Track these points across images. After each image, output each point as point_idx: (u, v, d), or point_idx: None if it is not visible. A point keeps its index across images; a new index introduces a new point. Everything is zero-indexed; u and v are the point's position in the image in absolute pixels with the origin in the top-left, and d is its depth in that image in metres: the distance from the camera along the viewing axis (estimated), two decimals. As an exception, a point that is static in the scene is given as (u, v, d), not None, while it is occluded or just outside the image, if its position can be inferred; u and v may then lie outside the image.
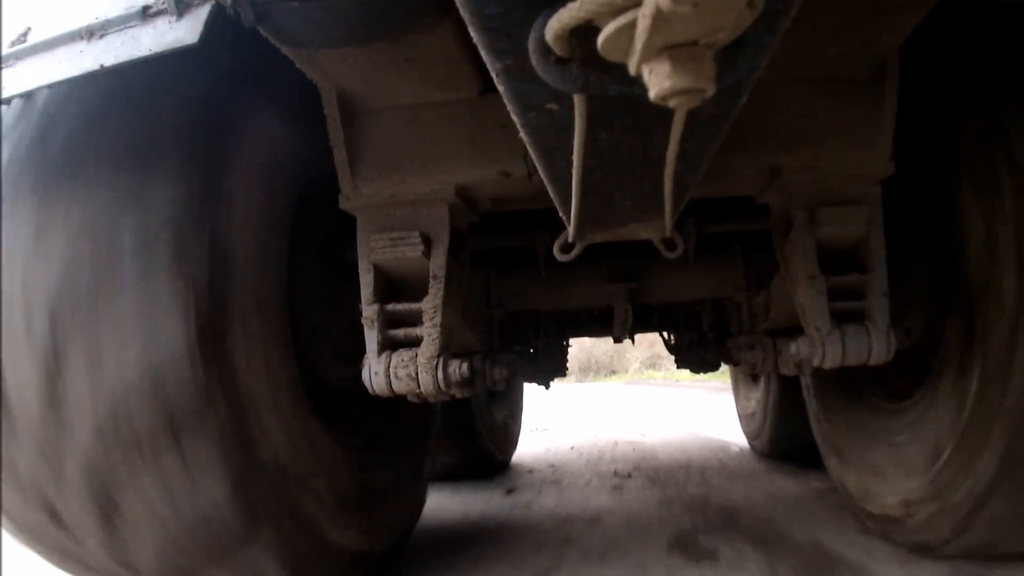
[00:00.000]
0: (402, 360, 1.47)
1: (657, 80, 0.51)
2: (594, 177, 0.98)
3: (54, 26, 1.09)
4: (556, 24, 0.54)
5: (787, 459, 3.67)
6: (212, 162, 1.33)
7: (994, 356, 1.45)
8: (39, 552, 1.44)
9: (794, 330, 1.72)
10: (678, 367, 3.69)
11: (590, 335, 3.73)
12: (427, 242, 1.47)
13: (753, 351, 2.17)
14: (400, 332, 1.51)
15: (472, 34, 0.63)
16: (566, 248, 1.48)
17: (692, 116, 0.75)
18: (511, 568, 2.04)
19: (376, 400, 1.54)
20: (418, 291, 1.51)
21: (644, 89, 0.53)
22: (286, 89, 1.46)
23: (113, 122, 1.28)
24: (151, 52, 1.02)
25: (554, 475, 3.81)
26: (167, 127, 1.29)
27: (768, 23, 0.59)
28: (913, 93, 1.51)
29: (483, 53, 0.65)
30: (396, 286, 1.57)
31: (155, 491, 1.27)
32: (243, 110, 1.42)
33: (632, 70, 0.53)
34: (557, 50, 0.58)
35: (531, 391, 4.01)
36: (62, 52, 1.07)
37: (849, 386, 2.19)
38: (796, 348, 1.62)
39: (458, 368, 1.48)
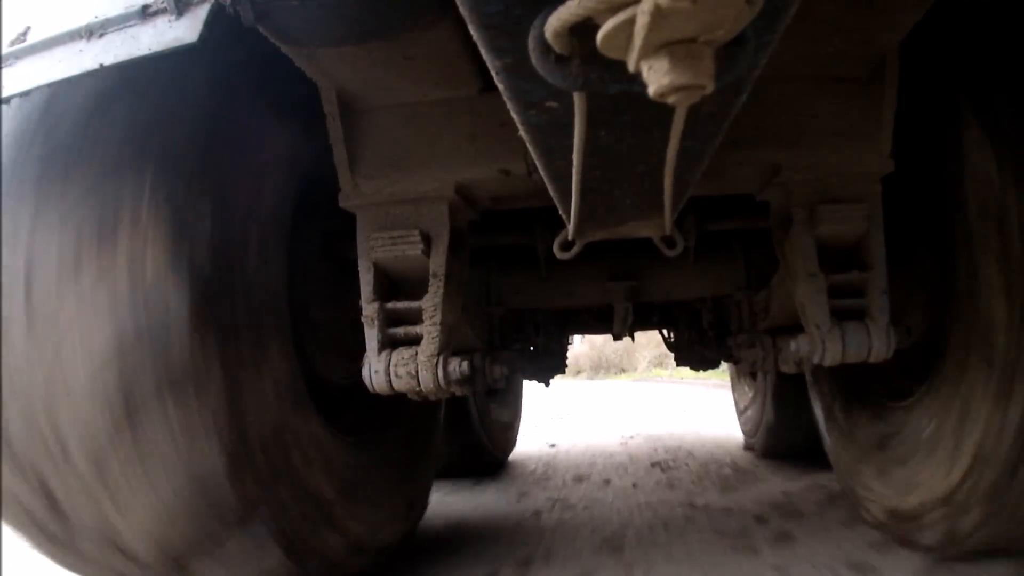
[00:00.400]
0: (402, 358, 1.47)
1: (656, 77, 0.51)
2: (594, 175, 0.98)
3: (53, 25, 1.09)
4: (556, 22, 0.54)
5: (784, 458, 3.68)
6: (212, 159, 1.34)
7: (1001, 354, 1.45)
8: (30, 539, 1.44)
9: (794, 328, 1.72)
10: (678, 365, 3.70)
11: (590, 333, 3.74)
12: (427, 240, 1.47)
13: (753, 349, 2.17)
14: (400, 330, 1.51)
15: (472, 32, 0.63)
16: (566, 246, 1.47)
17: (692, 114, 0.75)
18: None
19: (378, 396, 1.54)
20: (418, 289, 1.51)
21: (644, 86, 0.53)
22: (286, 86, 1.47)
23: (115, 115, 1.29)
24: (151, 51, 1.02)
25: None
26: (167, 124, 1.30)
27: (768, 21, 0.59)
28: (914, 89, 1.51)
29: (483, 51, 0.65)
30: (396, 284, 1.57)
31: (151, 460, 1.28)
32: (243, 107, 1.42)
33: (631, 67, 0.53)
34: (557, 48, 0.58)
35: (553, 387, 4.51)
36: (61, 51, 1.07)
37: (855, 385, 2.19)
38: (796, 346, 1.62)
39: (458, 366, 1.48)
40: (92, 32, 1.06)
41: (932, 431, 1.69)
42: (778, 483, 3.11)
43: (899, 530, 1.90)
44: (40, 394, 1.23)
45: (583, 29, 0.54)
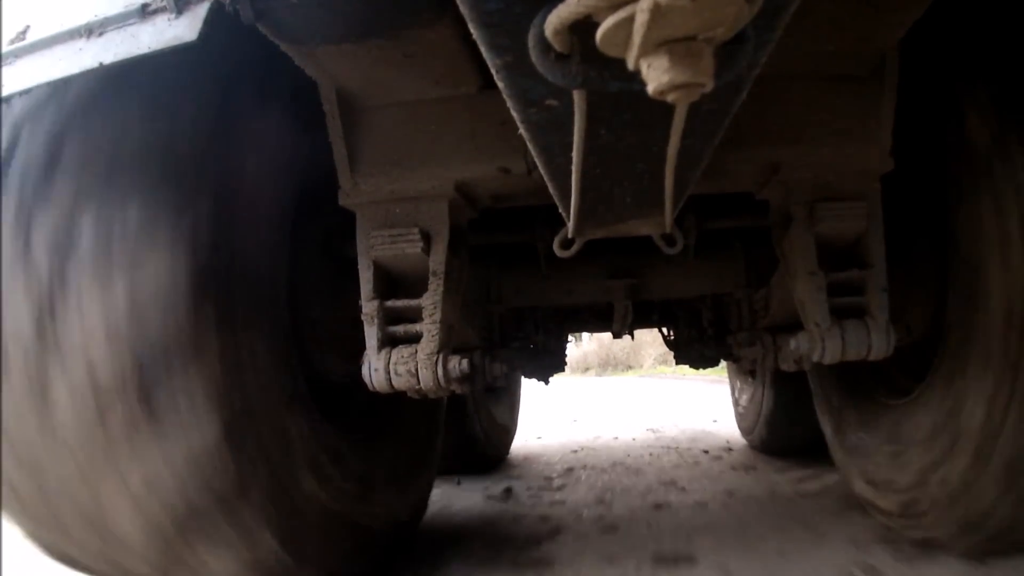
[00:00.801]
0: (402, 356, 1.47)
1: (655, 75, 0.51)
2: (594, 173, 0.98)
3: (53, 24, 1.09)
4: (555, 20, 0.54)
5: (782, 454, 3.69)
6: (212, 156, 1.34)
7: (1000, 351, 1.45)
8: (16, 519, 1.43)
9: (794, 326, 1.72)
10: (677, 363, 3.70)
11: (590, 331, 3.75)
12: (427, 238, 1.47)
13: (753, 347, 2.17)
14: (400, 328, 1.51)
15: (472, 30, 0.63)
16: (566, 244, 1.47)
17: (693, 112, 0.75)
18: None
19: (378, 394, 1.55)
20: (418, 287, 1.51)
21: (644, 84, 0.53)
22: (286, 84, 1.47)
23: (116, 118, 1.29)
24: (150, 50, 1.02)
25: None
26: (168, 122, 1.30)
27: (768, 19, 0.59)
28: (914, 87, 1.51)
29: (483, 49, 0.65)
30: (396, 282, 1.57)
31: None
32: (243, 105, 1.42)
33: (631, 65, 0.53)
34: (557, 46, 0.58)
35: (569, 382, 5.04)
36: (61, 50, 1.07)
37: (856, 383, 2.19)
38: (795, 344, 1.62)
39: (458, 364, 1.48)
40: (92, 31, 1.06)
41: (932, 429, 1.69)
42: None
43: (899, 524, 1.91)
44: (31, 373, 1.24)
45: (583, 27, 0.54)
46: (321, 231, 1.83)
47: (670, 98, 0.53)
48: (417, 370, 1.46)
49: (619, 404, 8.91)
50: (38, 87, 1.10)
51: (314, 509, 1.55)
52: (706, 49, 0.52)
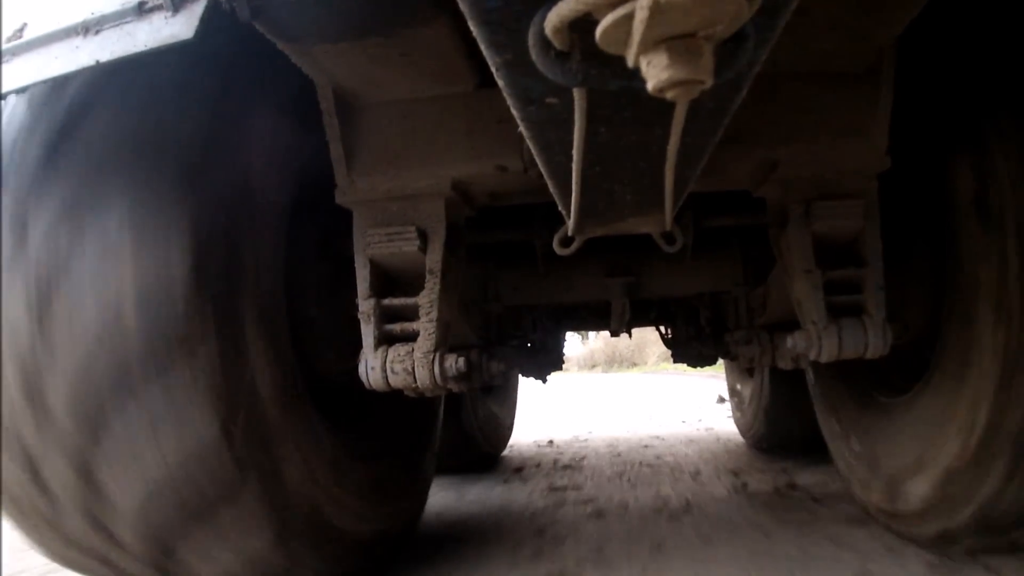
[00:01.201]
0: (399, 355, 1.47)
1: (655, 72, 0.51)
2: (594, 171, 0.98)
3: (50, 22, 1.08)
4: (555, 17, 0.53)
5: (779, 451, 3.69)
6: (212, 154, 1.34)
7: (999, 350, 1.45)
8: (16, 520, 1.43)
9: (791, 324, 1.72)
10: (675, 361, 3.71)
11: (588, 329, 3.75)
12: (423, 237, 1.47)
13: (750, 345, 2.18)
14: (396, 327, 1.51)
15: (472, 28, 0.62)
16: (565, 242, 1.47)
17: (693, 110, 0.75)
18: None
19: (376, 392, 1.54)
20: (415, 286, 1.50)
21: (643, 82, 0.53)
22: (284, 82, 1.46)
23: (114, 115, 1.29)
24: (147, 48, 1.02)
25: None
26: (167, 121, 1.30)
27: (768, 17, 0.59)
28: (912, 85, 1.51)
29: (483, 47, 0.65)
30: (392, 281, 1.57)
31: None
32: (241, 103, 1.42)
33: (630, 62, 0.53)
34: (557, 44, 0.58)
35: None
36: (58, 48, 1.07)
37: (854, 381, 2.19)
38: (793, 342, 1.62)
39: (455, 363, 1.48)
40: (88, 29, 1.05)
41: (930, 427, 1.69)
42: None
43: (898, 521, 1.91)
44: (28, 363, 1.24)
45: (583, 24, 0.54)
46: (319, 229, 1.83)
47: (670, 95, 0.52)
48: (414, 368, 1.46)
49: (620, 402, 9.55)
50: (34, 85, 1.09)
51: (309, 508, 1.55)
52: (706, 46, 0.52)
